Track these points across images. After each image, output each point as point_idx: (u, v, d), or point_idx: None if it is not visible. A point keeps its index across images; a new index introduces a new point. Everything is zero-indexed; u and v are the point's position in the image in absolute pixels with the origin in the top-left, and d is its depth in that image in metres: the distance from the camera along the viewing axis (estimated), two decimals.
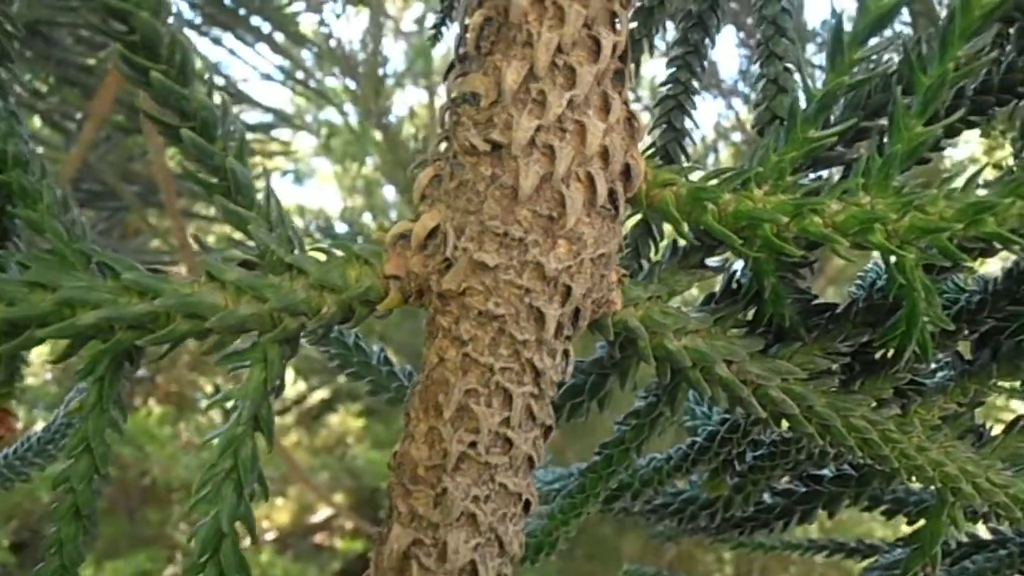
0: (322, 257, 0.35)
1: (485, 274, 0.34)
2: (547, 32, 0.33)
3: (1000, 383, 0.48)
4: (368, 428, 5.10)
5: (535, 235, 0.33)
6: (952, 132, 0.44)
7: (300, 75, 3.51)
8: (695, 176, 0.38)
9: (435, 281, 0.35)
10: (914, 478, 0.48)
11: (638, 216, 0.45)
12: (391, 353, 0.67)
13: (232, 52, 3.14)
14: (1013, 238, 0.36)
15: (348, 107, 4.36)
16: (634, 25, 0.56)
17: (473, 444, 0.34)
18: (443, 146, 0.35)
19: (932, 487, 0.49)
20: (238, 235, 0.37)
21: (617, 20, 0.35)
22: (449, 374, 0.34)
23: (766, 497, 0.58)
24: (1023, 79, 0.43)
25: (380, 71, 3.89)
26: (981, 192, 0.37)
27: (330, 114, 4.87)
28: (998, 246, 0.38)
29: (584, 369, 0.46)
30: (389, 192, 4.90)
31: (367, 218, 5.02)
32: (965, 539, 0.73)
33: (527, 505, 0.35)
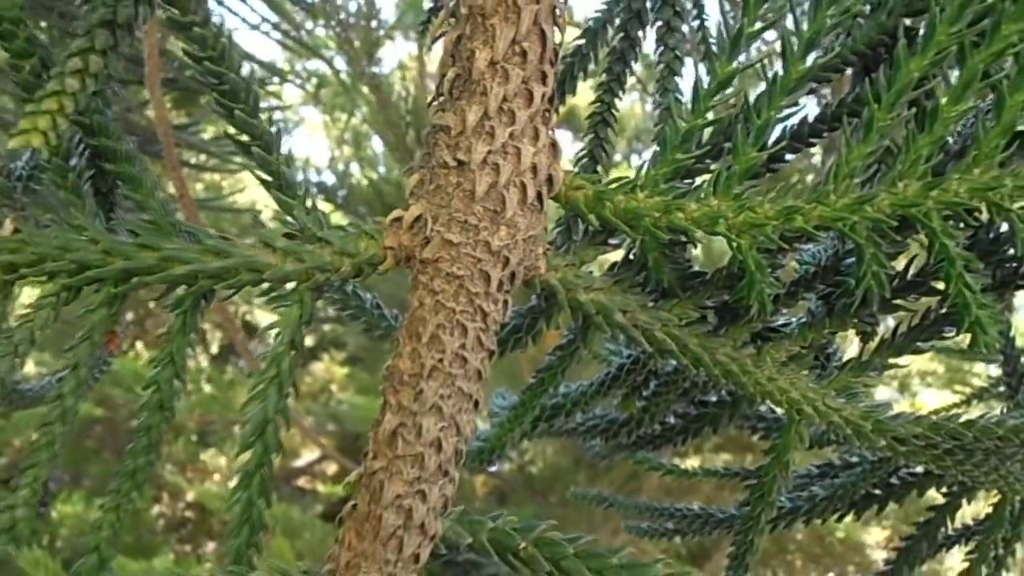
0: (342, 233, 0.52)
1: (451, 248, 0.50)
2: (497, 87, 0.49)
3: (833, 332, 0.66)
4: (352, 376, 5.24)
5: (485, 223, 0.50)
6: (794, 150, 0.60)
7: (288, 26, 3.59)
8: (601, 182, 0.54)
9: (418, 251, 0.51)
10: (767, 401, 0.65)
11: None
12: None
13: (219, 3, 3.21)
14: (815, 233, 0.53)
15: (338, 61, 4.42)
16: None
17: (441, 360, 0.50)
18: (425, 159, 0.52)
19: (781, 409, 0.67)
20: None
21: (546, 77, 0.51)
22: (426, 313, 0.51)
23: (671, 419, 0.76)
24: (848, 112, 0.60)
25: (373, 23, 3.95)
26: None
27: (319, 64, 4.92)
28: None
29: (522, 313, 0.63)
30: (378, 144, 4.96)
31: (355, 169, 5.11)
32: (838, 462, 0.91)
33: (476, 404, 0.52)
